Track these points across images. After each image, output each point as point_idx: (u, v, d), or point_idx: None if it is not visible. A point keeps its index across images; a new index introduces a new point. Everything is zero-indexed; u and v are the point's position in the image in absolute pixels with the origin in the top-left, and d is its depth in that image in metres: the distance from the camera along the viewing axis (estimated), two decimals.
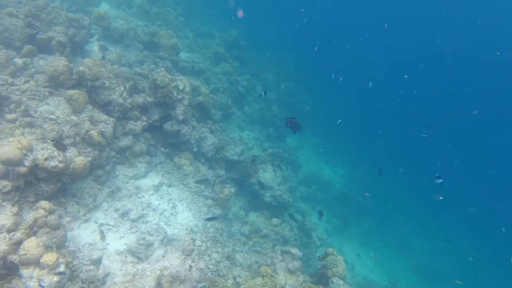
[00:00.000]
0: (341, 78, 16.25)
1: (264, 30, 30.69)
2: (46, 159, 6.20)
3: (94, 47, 12.10)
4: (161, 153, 10.22)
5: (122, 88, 8.96)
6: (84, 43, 10.86)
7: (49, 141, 6.54)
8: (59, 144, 6.24)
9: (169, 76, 9.82)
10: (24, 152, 6.14)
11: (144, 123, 9.40)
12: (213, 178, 10.78)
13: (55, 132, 7.07)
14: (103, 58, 10.42)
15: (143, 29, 14.25)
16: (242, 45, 19.52)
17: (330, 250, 9.49)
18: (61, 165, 6.21)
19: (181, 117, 9.97)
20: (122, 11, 15.87)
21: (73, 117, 7.50)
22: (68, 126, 7.32)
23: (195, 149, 10.68)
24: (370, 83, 20.06)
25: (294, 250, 9.04)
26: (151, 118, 9.75)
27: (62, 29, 9.66)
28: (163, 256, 7.19)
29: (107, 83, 8.61)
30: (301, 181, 17.66)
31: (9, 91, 7.47)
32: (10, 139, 6.42)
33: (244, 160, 12.40)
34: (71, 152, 6.92)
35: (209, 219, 8.98)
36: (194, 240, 7.81)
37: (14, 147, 5.91)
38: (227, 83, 16.60)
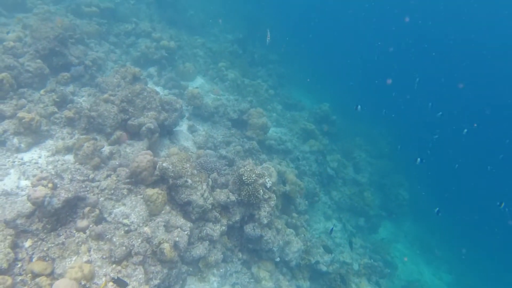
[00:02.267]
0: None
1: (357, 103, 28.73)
2: None
3: (184, 126, 11.71)
4: (238, 259, 8.65)
5: (204, 186, 7.85)
6: (174, 125, 10.41)
7: (112, 270, 5.42)
8: (120, 281, 5.04)
9: (256, 172, 8.53)
10: (83, 283, 5.07)
11: (223, 227, 8.03)
12: None
13: (124, 248, 6.01)
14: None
15: (233, 105, 13.73)
16: (333, 120, 17.98)
17: None
18: None
19: (265, 221, 8.41)
20: (215, 85, 15.87)
21: (146, 229, 6.43)
22: (139, 240, 6.23)
23: (278, 259, 8.88)
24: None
25: None
26: (231, 219, 8.38)
27: (153, 114, 9.28)
28: None
29: (189, 181, 7.58)
30: None
31: (87, 189, 6.84)
32: (73, 260, 5.49)
33: (334, 271, 10.13)
34: (135, 278, 5.70)
35: None
36: None
37: (72, 282, 4.85)
38: (315, 163, 14.94)
